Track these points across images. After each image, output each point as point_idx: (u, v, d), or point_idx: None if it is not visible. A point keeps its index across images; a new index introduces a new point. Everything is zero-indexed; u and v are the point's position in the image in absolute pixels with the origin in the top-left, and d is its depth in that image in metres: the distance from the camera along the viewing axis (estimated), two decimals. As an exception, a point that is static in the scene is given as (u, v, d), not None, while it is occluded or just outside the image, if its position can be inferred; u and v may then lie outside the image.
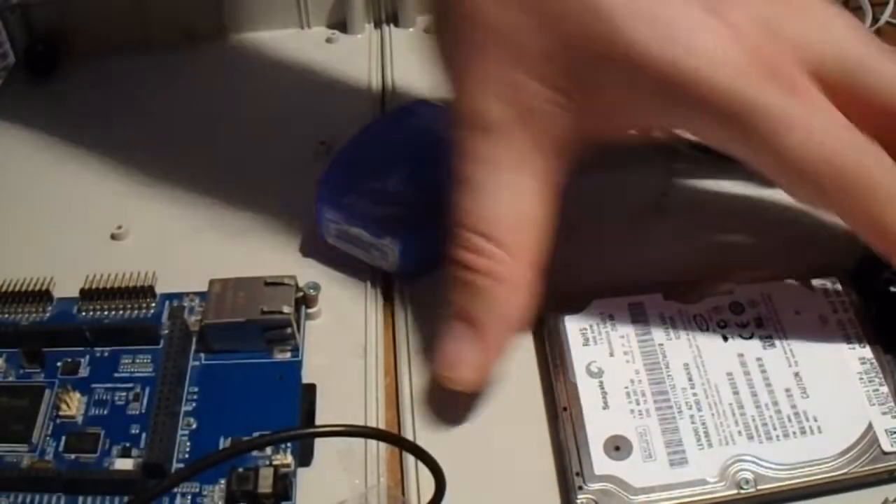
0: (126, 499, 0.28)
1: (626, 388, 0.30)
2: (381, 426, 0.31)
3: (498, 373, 0.32)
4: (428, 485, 0.27)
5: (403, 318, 0.34)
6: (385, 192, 0.35)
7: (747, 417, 0.29)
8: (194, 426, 0.30)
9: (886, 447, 0.29)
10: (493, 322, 0.29)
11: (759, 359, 0.31)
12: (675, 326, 0.32)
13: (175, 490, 0.28)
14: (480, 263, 0.29)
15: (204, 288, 0.33)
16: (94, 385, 0.31)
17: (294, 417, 0.30)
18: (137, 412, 0.30)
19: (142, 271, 0.34)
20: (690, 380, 0.31)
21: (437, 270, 0.35)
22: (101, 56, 0.48)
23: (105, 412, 0.30)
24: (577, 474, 0.28)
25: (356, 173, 0.36)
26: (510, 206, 0.29)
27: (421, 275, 0.35)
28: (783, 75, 0.27)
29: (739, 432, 0.29)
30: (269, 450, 0.29)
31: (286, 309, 0.31)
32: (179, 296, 0.34)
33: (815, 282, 0.33)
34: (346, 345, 0.33)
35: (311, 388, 0.32)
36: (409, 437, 0.30)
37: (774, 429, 0.29)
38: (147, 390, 0.31)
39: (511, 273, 0.29)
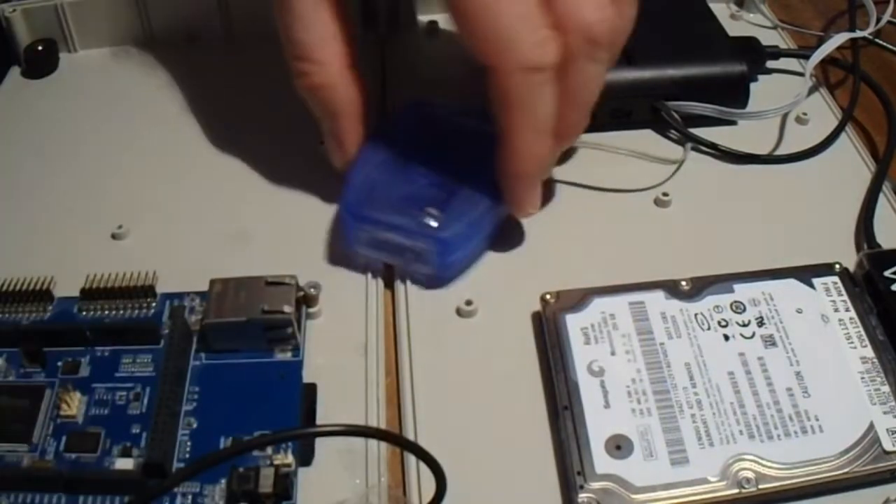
0: (126, 499, 0.28)
1: (628, 387, 0.30)
2: (382, 425, 0.31)
3: (500, 370, 0.32)
4: (429, 484, 0.27)
5: (404, 318, 0.34)
6: (416, 194, 0.35)
7: (748, 416, 0.29)
8: (195, 426, 0.30)
9: (888, 446, 0.29)
10: (334, 120, 0.36)
11: (760, 358, 0.31)
12: (677, 325, 0.32)
13: (176, 490, 0.28)
14: (305, 82, 0.35)
15: (204, 287, 0.33)
16: (94, 385, 0.31)
17: (295, 417, 0.30)
18: (138, 412, 0.30)
19: (142, 271, 0.34)
20: (692, 379, 0.31)
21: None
22: (101, 56, 0.48)
23: (106, 412, 0.30)
24: (579, 473, 0.28)
25: (380, 180, 0.36)
26: (313, 30, 0.35)
27: (459, 274, 0.36)
28: None
29: (741, 431, 0.29)
30: (269, 449, 0.29)
31: (287, 308, 0.31)
32: (180, 295, 0.34)
33: (817, 281, 0.33)
34: (346, 344, 0.33)
35: (311, 388, 0.31)
36: (410, 436, 0.30)
37: (776, 428, 0.29)
38: (148, 390, 0.31)
39: (326, 78, 0.35)
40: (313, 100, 0.36)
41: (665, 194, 0.39)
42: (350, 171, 0.36)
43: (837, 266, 0.34)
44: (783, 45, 0.48)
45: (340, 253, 0.36)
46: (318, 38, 0.35)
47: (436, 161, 0.36)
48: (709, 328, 0.32)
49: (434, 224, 0.34)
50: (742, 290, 0.33)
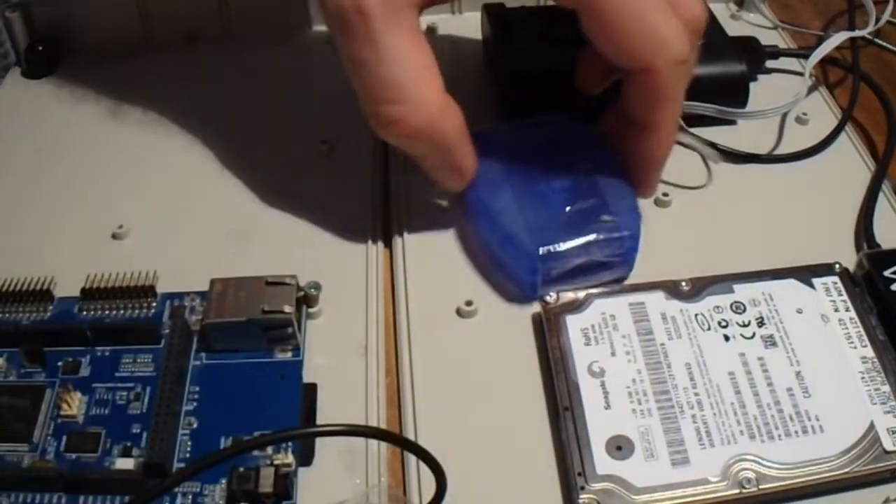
0: (127, 498, 0.28)
1: (628, 387, 0.30)
2: (383, 425, 0.31)
3: (500, 371, 0.32)
4: (429, 484, 0.27)
5: (404, 318, 0.34)
6: (571, 209, 0.35)
7: (749, 417, 0.29)
8: (195, 425, 0.30)
9: (888, 446, 0.29)
10: (447, 154, 0.34)
11: (760, 358, 0.31)
12: (677, 326, 0.32)
13: (176, 489, 0.28)
14: (404, 128, 0.32)
15: (205, 287, 0.33)
16: (94, 384, 0.31)
17: (295, 417, 0.30)
18: (138, 412, 0.30)
19: (143, 271, 0.34)
20: (692, 379, 0.31)
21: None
22: (102, 56, 0.48)
23: (106, 412, 0.30)
24: (579, 474, 0.28)
25: (530, 214, 0.35)
26: (404, 64, 0.31)
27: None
28: None
29: (741, 432, 0.29)
30: (269, 449, 0.29)
31: (287, 308, 0.31)
32: (180, 295, 0.34)
33: (817, 281, 0.33)
34: (347, 344, 0.33)
35: (312, 388, 0.31)
36: (411, 436, 0.30)
37: (776, 428, 0.29)
38: (148, 390, 0.31)
39: (429, 116, 0.32)
40: (415, 141, 0.33)
41: (665, 194, 0.39)
42: (487, 228, 0.36)
43: (837, 266, 0.34)
44: (783, 45, 0.48)
45: (341, 253, 0.36)
46: (412, 72, 0.31)
47: (550, 174, 0.36)
48: (709, 328, 0.32)
49: (616, 228, 0.34)
50: (742, 291, 0.33)
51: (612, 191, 0.35)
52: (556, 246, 0.33)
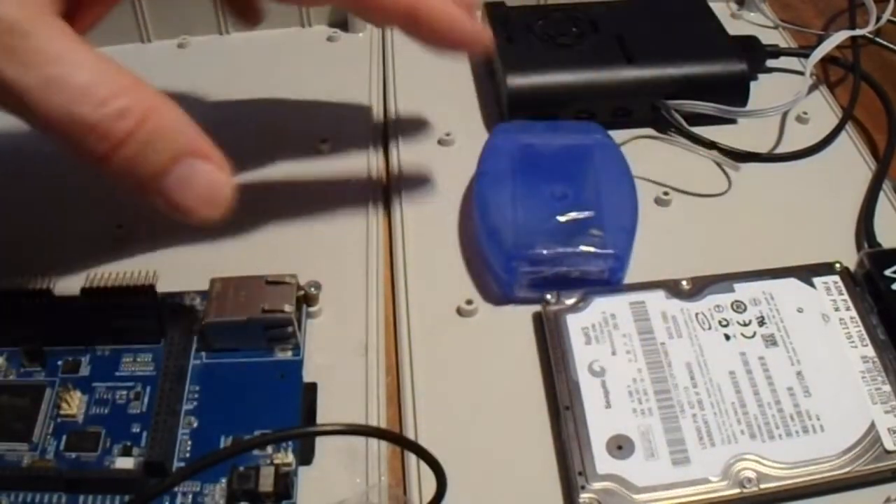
0: (127, 498, 0.28)
1: (629, 386, 0.30)
2: (383, 425, 0.31)
3: (500, 370, 0.32)
4: (429, 483, 0.27)
5: (405, 317, 0.34)
6: (563, 218, 0.34)
7: (750, 416, 0.29)
8: (195, 425, 0.30)
9: (889, 446, 0.29)
10: (194, 138, 0.29)
11: (761, 357, 0.31)
12: (678, 325, 0.32)
13: (176, 489, 0.28)
14: (132, 121, 0.27)
15: (205, 287, 0.32)
16: (94, 384, 0.31)
17: (295, 416, 0.30)
18: (138, 411, 0.30)
19: (142, 270, 0.34)
20: (693, 378, 0.31)
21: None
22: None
23: (106, 411, 0.30)
24: (580, 474, 0.28)
25: (520, 215, 0.35)
26: (92, 60, 0.27)
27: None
28: None
29: (742, 431, 0.29)
30: (270, 448, 0.29)
31: (287, 307, 0.31)
32: (180, 295, 0.34)
33: (817, 280, 0.33)
34: (347, 343, 0.33)
35: (312, 387, 0.31)
36: (411, 435, 0.30)
37: (777, 427, 0.29)
38: (148, 389, 0.31)
39: (152, 97, 0.28)
40: (155, 136, 0.28)
41: (665, 194, 0.39)
42: (478, 218, 0.36)
43: (838, 265, 0.34)
44: (783, 44, 0.48)
45: (341, 252, 0.36)
46: (103, 62, 0.27)
47: (556, 179, 0.36)
48: (710, 328, 0.32)
49: (602, 244, 0.34)
50: (743, 290, 0.33)
51: (611, 207, 0.35)
52: (537, 250, 0.33)
